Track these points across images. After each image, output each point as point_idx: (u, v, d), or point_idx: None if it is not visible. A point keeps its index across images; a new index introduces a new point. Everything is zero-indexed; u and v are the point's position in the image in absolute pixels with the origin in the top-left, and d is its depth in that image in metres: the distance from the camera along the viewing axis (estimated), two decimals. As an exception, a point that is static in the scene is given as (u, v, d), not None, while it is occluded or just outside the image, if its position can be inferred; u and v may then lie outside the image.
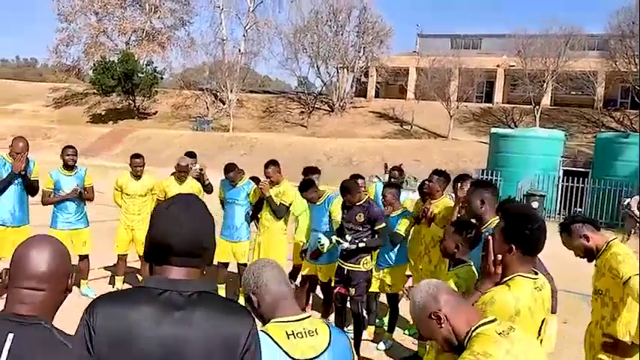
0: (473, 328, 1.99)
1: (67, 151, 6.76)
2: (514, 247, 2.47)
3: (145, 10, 49.81)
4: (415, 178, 17.17)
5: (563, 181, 19.43)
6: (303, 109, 42.58)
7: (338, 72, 43.12)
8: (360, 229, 5.47)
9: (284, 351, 1.99)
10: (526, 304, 2.38)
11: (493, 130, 22.60)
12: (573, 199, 18.89)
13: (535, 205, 18.38)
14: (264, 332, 2.01)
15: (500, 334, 1.96)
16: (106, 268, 8.10)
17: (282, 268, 2.24)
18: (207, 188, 7.47)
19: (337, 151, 29.73)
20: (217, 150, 29.31)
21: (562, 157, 20.72)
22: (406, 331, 6.35)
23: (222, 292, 6.89)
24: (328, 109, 42.67)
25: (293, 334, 2.03)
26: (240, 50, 46.88)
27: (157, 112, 45.13)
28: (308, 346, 2.03)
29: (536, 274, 2.58)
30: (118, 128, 40.31)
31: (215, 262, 7.48)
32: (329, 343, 2.07)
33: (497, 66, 41.56)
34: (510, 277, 2.50)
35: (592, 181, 18.92)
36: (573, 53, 36.44)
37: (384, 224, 5.49)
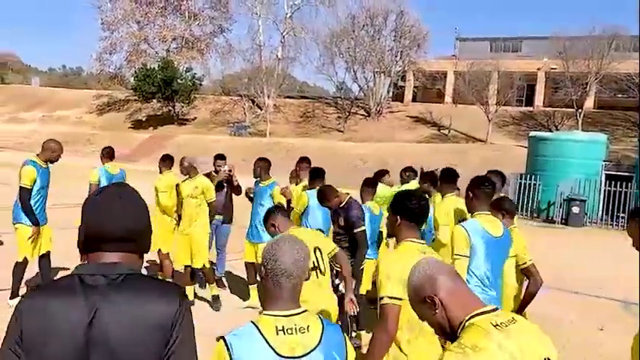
0: (467, 318, 1.84)
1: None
2: (399, 217, 3.11)
3: (184, 18, 50.75)
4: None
5: (605, 185, 18.88)
6: (340, 114, 42.58)
7: (375, 76, 42.98)
8: (343, 231, 5.39)
9: (270, 346, 1.94)
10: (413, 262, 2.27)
11: (532, 133, 22.15)
12: (616, 204, 18.32)
13: (576, 210, 17.94)
14: (254, 324, 2.00)
15: (496, 325, 1.81)
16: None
17: (307, 256, 2.14)
18: (236, 190, 7.53)
19: (373, 156, 29.61)
20: (254, 155, 29.32)
21: (604, 161, 20.12)
22: None
23: (254, 293, 6.96)
24: (365, 113, 42.56)
25: (283, 329, 1.97)
26: (277, 56, 47.25)
27: (195, 117, 45.82)
28: (297, 342, 1.97)
29: (423, 239, 3.19)
30: (158, 134, 41.09)
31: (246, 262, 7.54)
32: (319, 341, 2.00)
33: (538, 69, 40.77)
34: (400, 243, 3.12)
35: (636, 185, 18.33)
36: (618, 55, 35.47)
37: (362, 228, 5.28)
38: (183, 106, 45.02)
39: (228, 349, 1.91)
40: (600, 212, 18.60)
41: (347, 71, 44.61)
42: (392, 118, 41.98)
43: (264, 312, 2.05)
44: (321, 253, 4.06)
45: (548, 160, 19.34)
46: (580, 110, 35.27)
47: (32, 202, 6.13)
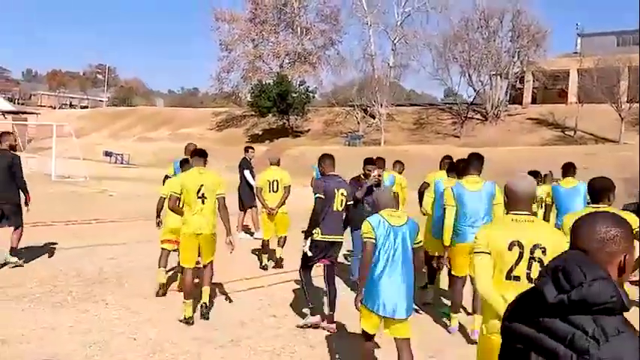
0: None
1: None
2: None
3: (296, 34, 51.98)
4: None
5: None
6: (455, 120, 41.47)
7: (491, 79, 41.46)
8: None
9: (386, 220, 4.59)
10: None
11: (675, 130, 20.16)
12: None
13: None
14: (380, 214, 4.66)
15: None
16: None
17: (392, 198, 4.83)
18: None
19: (493, 160, 28.36)
20: (369, 164, 29.35)
21: None
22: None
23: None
24: (481, 118, 41.14)
25: (391, 214, 4.66)
26: (389, 64, 46.99)
27: (309, 129, 46.60)
28: (397, 219, 4.63)
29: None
30: (274, 147, 42.21)
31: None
32: (405, 222, 4.64)
33: (676, 61, 37.26)
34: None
35: None
36: None
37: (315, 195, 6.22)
38: (297, 119, 46.01)
39: (370, 223, 4.56)
40: None
41: (461, 75, 43.46)
42: (510, 121, 40.20)
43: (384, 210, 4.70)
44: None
45: (696, 159, 17.46)
46: None
47: None
